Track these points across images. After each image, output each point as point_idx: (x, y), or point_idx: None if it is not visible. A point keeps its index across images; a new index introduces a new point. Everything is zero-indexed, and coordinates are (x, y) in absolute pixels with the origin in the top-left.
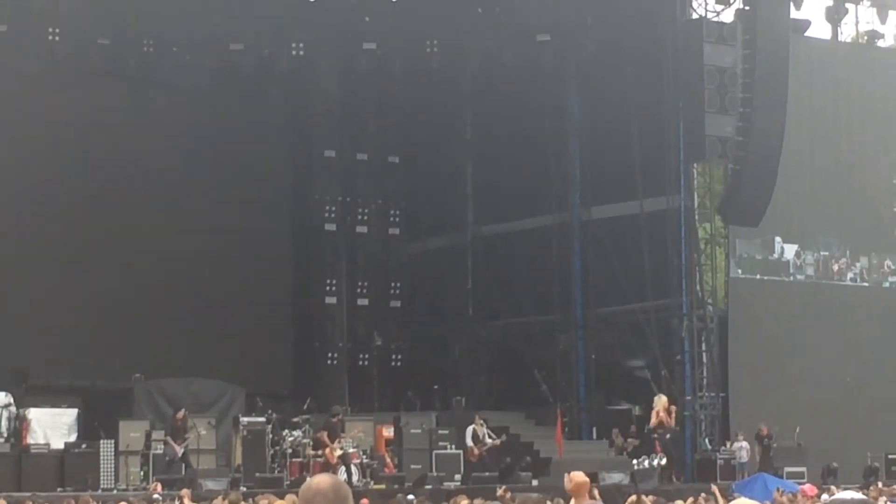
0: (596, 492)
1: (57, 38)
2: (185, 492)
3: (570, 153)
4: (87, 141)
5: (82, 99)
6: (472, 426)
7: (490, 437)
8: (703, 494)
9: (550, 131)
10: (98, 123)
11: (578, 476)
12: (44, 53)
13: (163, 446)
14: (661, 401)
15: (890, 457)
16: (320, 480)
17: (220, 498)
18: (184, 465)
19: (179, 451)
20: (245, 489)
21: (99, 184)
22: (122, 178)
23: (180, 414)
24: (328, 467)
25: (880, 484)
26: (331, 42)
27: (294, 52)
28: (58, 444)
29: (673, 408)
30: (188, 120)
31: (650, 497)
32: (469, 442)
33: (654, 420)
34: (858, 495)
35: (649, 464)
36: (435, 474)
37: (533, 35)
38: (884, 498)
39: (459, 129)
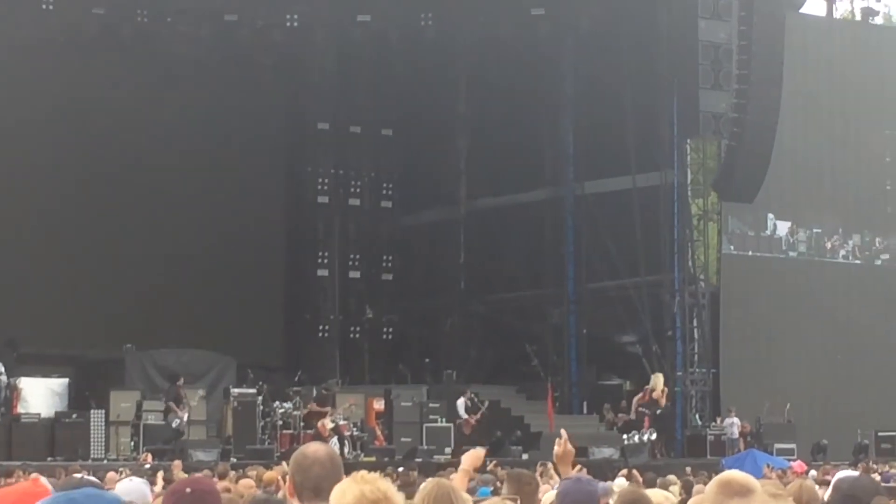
0: (584, 470)
1: (51, 8)
2: (177, 463)
3: (563, 127)
4: (80, 111)
5: (76, 69)
6: (464, 398)
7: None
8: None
9: (544, 105)
10: (91, 94)
11: (568, 445)
12: (37, 23)
13: (168, 415)
14: (657, 380)
15: (880, 434)
16: (317, 449)
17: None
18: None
19: (185, 416)
20: (235, 460)
21: (91, 154)
22: (114, 148)
23: (180, 381)
24: (319, 440)
25: (870, 462)
26: (325, 14)
27: (288, 24)
28: (48, 413)
29: (665, 389)
30: (182, 90)
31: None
32: (464, 414)
33: (644, 397)
34: (856, 473)
35: (639, 439)
36: (425, 447)
37: (528, 9)
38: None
39: (453, 103)
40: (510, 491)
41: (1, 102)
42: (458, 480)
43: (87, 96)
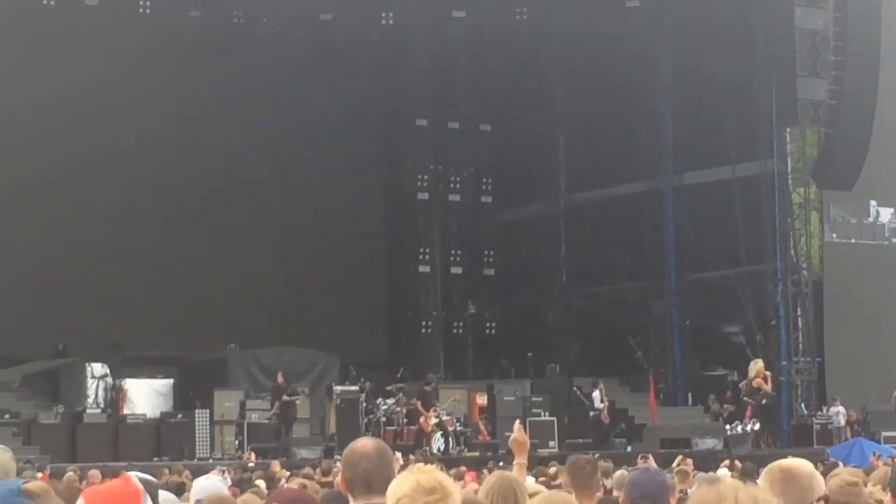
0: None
1: (148, 11)
2: (275, 462)
3: (661, 119)
4: (178, 113)
5: (173, 72)
6: (598, 390)
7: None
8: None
9: (642, 97)
10: (189, 96)
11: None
12: (135, 26)
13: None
14: (756, 366)
15: None
16: (365, 443)
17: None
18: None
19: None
20: (339, 457)
21: (191, 156)
22: (214, 149)
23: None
24: (422, 435)
25: None
26: (420, 11)
27: (384, 22)
28: (154, 413)
29: (768, 373)
30: (279, 91)
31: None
32: (599, 404)
33: (746, 387)
34: None
35: (743, 429)
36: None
37: (623, 1)
38: None
39: (550, 96)
40: (567, 478)
41: (99, 106)
42: (517, 473)
43: (184, 99)
